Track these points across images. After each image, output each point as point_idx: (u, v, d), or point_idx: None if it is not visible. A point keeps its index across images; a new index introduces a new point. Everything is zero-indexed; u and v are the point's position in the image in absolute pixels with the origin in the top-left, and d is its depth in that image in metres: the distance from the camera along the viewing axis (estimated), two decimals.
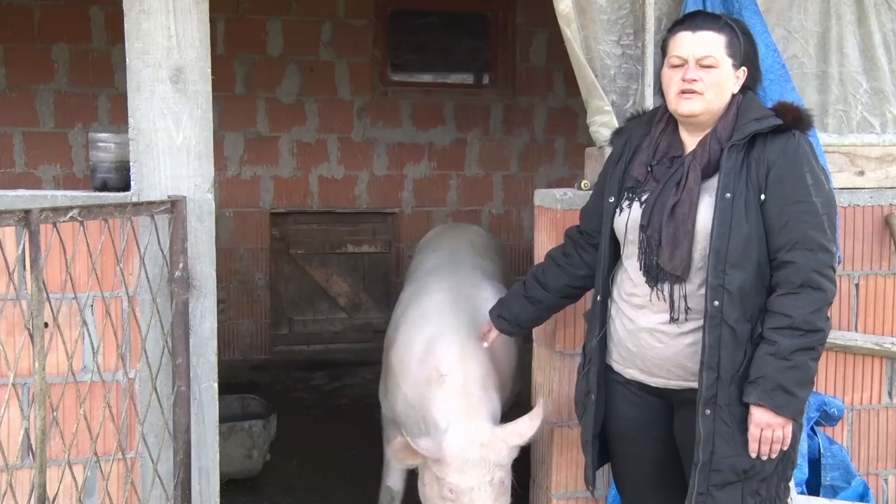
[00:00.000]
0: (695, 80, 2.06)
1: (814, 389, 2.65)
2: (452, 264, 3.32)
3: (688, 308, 2.08)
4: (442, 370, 2.67)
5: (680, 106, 2.09)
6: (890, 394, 2.81)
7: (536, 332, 2.74)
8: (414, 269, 3.59)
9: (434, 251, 3.61)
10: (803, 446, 2.51)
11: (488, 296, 2.95)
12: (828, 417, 2.62)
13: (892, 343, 2.75)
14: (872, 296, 2.76)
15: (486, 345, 2.58)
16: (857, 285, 2.75)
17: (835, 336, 2.69)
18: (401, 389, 2.84)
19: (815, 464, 2.60)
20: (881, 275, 2.76)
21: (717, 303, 2.02)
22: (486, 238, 3.88)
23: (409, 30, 5.71)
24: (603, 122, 2.59)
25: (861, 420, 2.79)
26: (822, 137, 2.65)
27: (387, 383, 3.00)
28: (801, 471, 2.51)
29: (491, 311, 2.52)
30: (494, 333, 2.53)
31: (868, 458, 2.80)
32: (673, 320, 2.10)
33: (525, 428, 2.56)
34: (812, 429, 2.61)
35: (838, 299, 2.71)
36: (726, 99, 2.10)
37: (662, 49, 2.18)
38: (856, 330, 2.76)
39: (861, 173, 2.77)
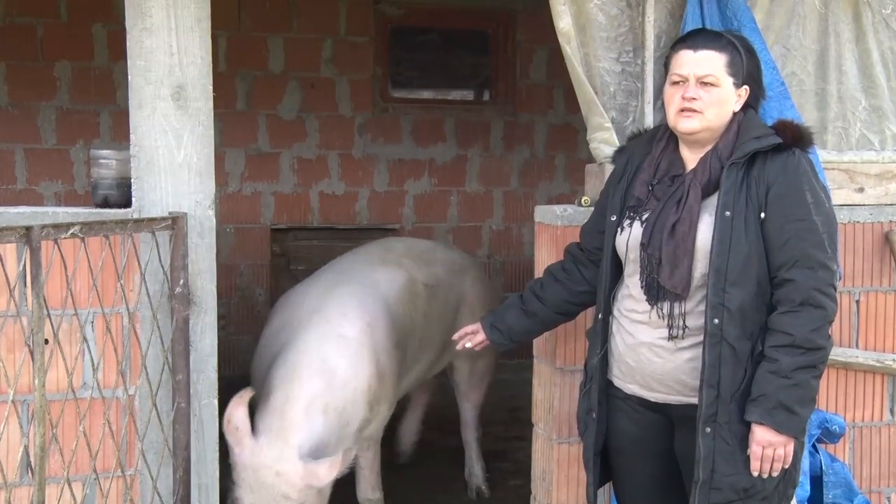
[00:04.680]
0: (694, 99, 2.07)
1: (815, 406, 2.66)
2: (340, 272, 3.28)
3: (685, 326, 2.09)
4: (269, 388, 2.74)
5: (679, 123, 2.10)
6: (892, 411, 2.80)
7: (537, 348, 2.74)
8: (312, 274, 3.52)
9: (341, 255, 3.55)
10: (805, 463, 2.50)
11: (350, 311, 2.96)
12: (829, 434, 2.62)
13: (894, 360, 2.75)
14: (873, 312, 2.75)
15: (468, 345, 2.49)
16: (857, 302, 2.75)
17: (835, 353, 2.69)
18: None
19: (817, 481, 2.59)
20: (881, 291, 2.76)
21: (717, 321, 2.02)
22: (410, 248, 3.66)
23: (409, 47, 5.74)
24: (603, 139, 2.60)
25: (863, 437, 2.78)
26: (822, 154, 2.66)
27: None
28: (804, 488, 2.50)
29: (483, 319, 2.48)
30: (480, 336, 2.46)
31: (870, 475, 2.78)
32: (672, 338, 2.10)
33: (323, 472, 2.56)
34: (814, 446, 2.60)
35: (839, 316, 2.70)
36: (727, 117, 2.11)
37: (665, 66, 2.20)
38: (856, 346, 2.75)
39: (860, 190, 2.78)
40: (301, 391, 2.69)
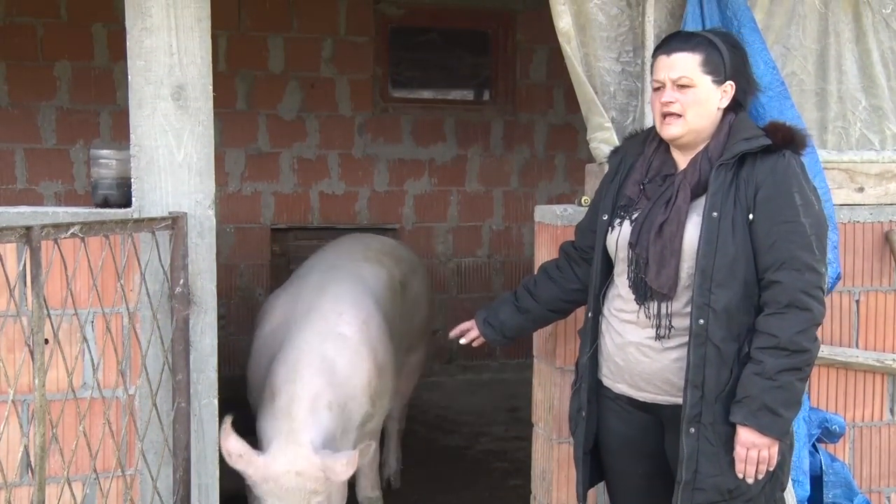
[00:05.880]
0: (671, 102, 2.08)
1: (815, 406, 2.66)
2: (327, 270, 3.31)
3: (671, 326, 2.09)
4: (272, 389, 2.75)
5: (662, 130, 2.13)
6: (892, 410, 2.80)
7: (537, 348, 2.74)
8: (294, 273, 3.56)
9: (321, 252, 3.61)
10: (805, 463, 2.50)
11: (345, 309, 3.00)
12: (829, 434, 2.62)
13: (893, 360, 2.75)
14: (873, 312, 2.76)
15: (463, 341, 2.50)
16: (857, 301, 2.75)
17: (835, 352, 2.69)
18: (253, 403, 2.95)
19: (816, 481, 2.59)
20: (881, 291, 2.76)
21: (702, 321, 2.02)
22: (384, 245, 3.79)
23: (409, 47, 5.74)
24: (603, 139, 2.60)
25: (863, 437, 2.78)
26: (822, 154, 2.66)
27: (248, 393, 3.11)
28: (804, 488, 2.50)
29: (477, 315, 2.48)
30: (475, 332, 2.47)
31: (871, 475, 2.79)
32: (659, 337, 2.10)
33: (340, 468, 2.56)
34: (814, 445, 2.60)
35: (839, 315, 2.71)
36: (711, 116, 2.11)
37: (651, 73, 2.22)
38: (856, 346, 2.75)
39: (860, 190, 2.78)
40: (304, 390, 2.71)
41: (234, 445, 2.55)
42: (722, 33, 2.20)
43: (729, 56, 2.11)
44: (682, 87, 2.08)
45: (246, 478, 2.63)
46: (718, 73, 2.10)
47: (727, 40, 2.15)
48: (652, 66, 2.18)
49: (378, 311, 3.18)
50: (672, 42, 2.14)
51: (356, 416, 2.88)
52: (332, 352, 2.87)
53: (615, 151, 2.36)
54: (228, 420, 2.56)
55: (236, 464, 2.57)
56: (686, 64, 2.08)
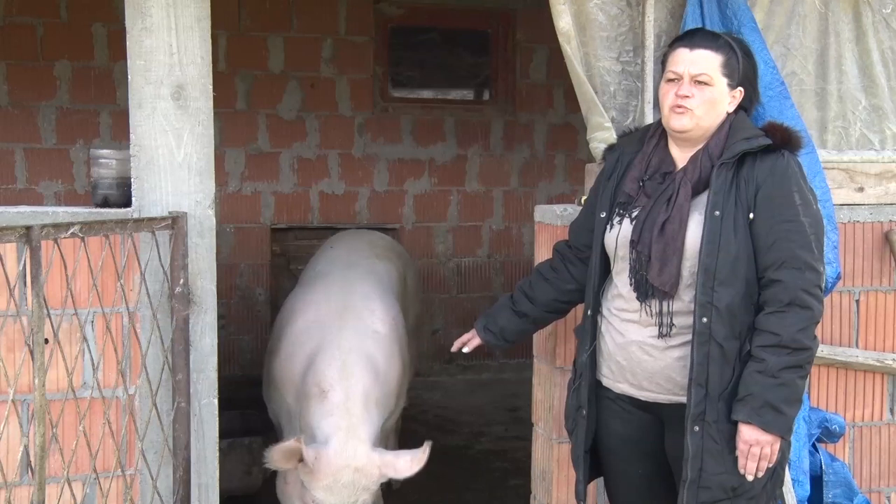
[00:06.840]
0: (687, 97, 2.08)
1: (815, 406, 2.66)
2: (347, 267, 3.33)
3: (672, 324, 2.10)
4: (323, 386, 2.72)
5: (672, 121, 2.12)
6: (892, 410, 2.80)
7: (537, 347, 2.74)
8: (307, 270, 3.58)
9: (330, 248, 3.63)
10: (805, 463, 2.51)
11: (377, 307, 3.02)
12: (829, 434, 2.62)
13: (893, 359, 2.75)
14: (873, 312, 2.76)
15: (465, 350, 2.52)
16: (857, 301, 2.75)
17: (835, 352, 2.69)
18: (285, 401, 2.92)
19: (816, 481, 2.59)
20: (881, 291, 2.76)
21: (705, 319, 2.03)
22: (386, 241, 3.90)
23: (409, 46, 5.74)
24: (603, 139, 2.60)
25: (863, 437, 2.78)
26: (822, 154, 2.66)
27: (269, 391, 3.06)
28: (804, 488, 2.51)
29: (476, 323, 2.49)
30: (476, 341, 2.49)
31: (870, 475, 2.79)
32: (662, 336, 2.11)
33: (404, 465, 2.60)
34: (814, 445, 2.60)
35: (839, 315, 2.72)
36: (719, 117, 2.12)
37: (662, 64, 2.22)
38: (856, 346, 2.75)
39: (860, 189, 2.78)
40: (358, 386, 2.73)
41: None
42: (737, 39, 2.22)
43: (743, 63, 2.14)
44: (701, 83, 2.09)
45: (304, 474, 2.61)
46: (734, 77, 2.12)
47: (742, 47, 2.17)
48: (667, 56, 2.17)
49: (399, 309, 3.24)
50: (696, 38, 2.15)
51: (385, 413, 2.90)
52: (373, 349, 2.91)
53: (611, 149, 2.36)
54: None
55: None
56: (709, 62, 2.10)
